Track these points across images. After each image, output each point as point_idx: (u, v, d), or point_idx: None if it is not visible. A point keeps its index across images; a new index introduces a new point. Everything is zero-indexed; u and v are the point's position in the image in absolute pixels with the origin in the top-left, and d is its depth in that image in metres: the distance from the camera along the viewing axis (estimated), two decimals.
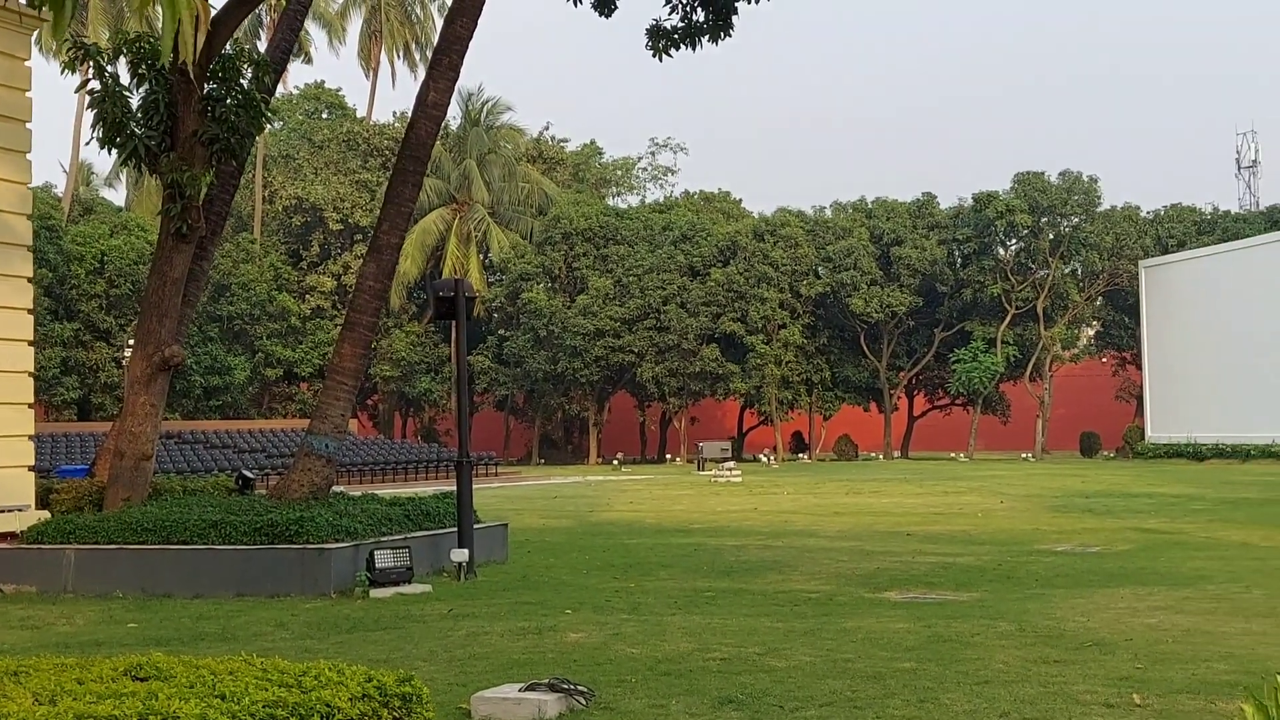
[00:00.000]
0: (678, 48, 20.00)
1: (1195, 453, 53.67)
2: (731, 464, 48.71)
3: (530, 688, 8.76)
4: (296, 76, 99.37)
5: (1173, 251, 61.67)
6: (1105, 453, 62.45)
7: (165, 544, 15.61)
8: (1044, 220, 60.32)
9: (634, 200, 76.31)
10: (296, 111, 71.54)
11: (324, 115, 72.29)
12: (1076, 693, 9.09)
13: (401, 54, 69.76)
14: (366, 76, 71.28)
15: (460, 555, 16.42)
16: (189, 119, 17.16)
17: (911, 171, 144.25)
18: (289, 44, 20.40)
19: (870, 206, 64.75)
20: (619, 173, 79.36)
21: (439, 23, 66.79)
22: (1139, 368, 62.48)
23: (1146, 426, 59.96)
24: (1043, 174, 60.59)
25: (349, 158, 64.98)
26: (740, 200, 71.25)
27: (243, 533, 15.48)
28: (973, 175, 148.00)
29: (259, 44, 51.65)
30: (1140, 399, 62.10)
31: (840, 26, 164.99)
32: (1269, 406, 51.52)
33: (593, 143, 77.71)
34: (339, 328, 22.26)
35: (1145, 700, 8.82)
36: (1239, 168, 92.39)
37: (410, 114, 19.29)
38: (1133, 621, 12.36)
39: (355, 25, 69.81)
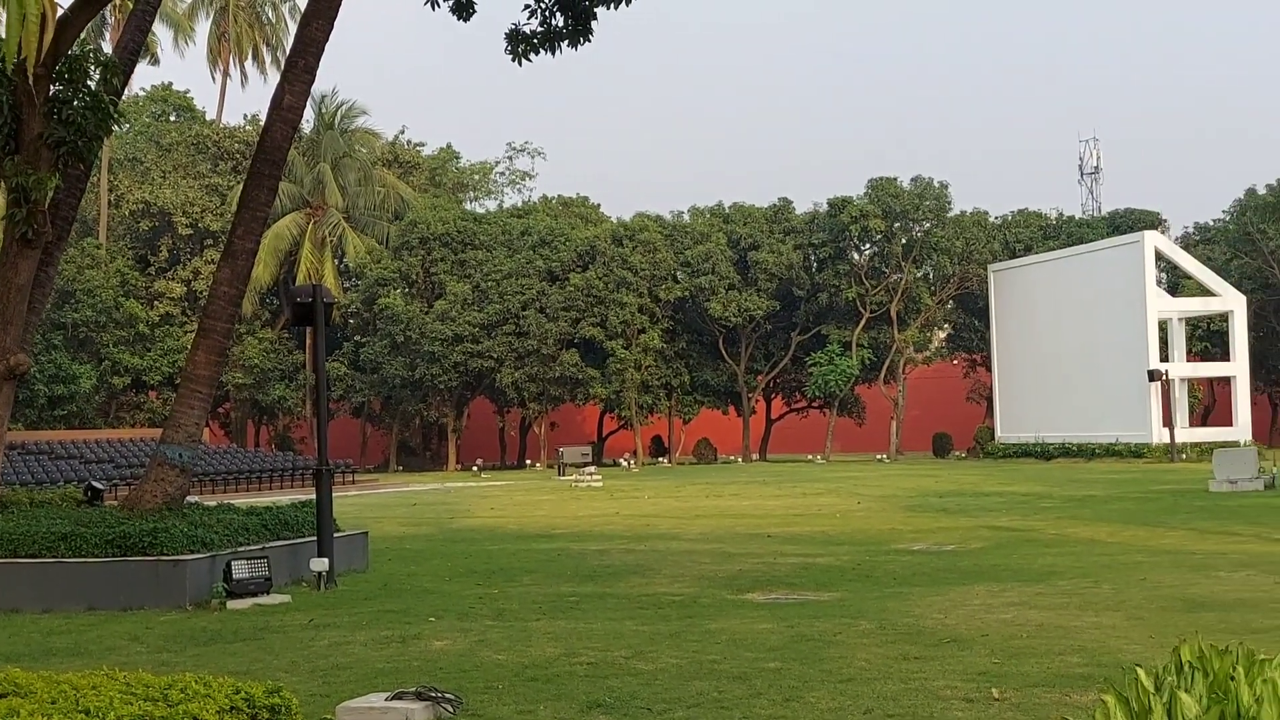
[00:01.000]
0: (537, 52, 19.92)
1: (1043, 452, 55.10)
2: (592, 469, 48.75)
3: (397, 696, 8.66)
4: (143, 78, 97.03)
5: (1020, 256, 63.25)
6: (957, 453, 63.80)
7: (13, 557, 15.11)
8: (897, 225, 61.44)
9: (492, 205, 76.03)
10: (143, 114, 69.88)
11: (172, 118, 70.72)
12: (937, 688, 9.26)
13: (251, 56, 68.53)
14: (215, 79, 69.93)
15: (320, 564, 16.17)
16: (34, 121, 16.63)
17: (768, 177, 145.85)
18: (137, 45, 19.89)
19: (728, 211, 65.32)
20: (476, 177, 78.94)
21: (291, 25, 65.93)
22: (989, 369, 63.96)
23: (996, 427, 61.41)
24: (895, 180, 61.70)
25: (198, 161, 63.63)
26: (599, 205, 71.38)
27: (94, 545, 15.05)
28: (828, 181, 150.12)
29: (104, 44, 50.32)
30: (990, 400, 63.57)
31: (697, 32, 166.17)
32: (1112, 406, 53.11)
33: (449, 147, 77.21)
34: (190, 334, 21.80)
35: (1003, 694, 9.01)
36: (1082, 174, 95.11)
37: (265, 117, 18.94)
38: (988, 617, 12.63)
39: (204, 26, 68.43)
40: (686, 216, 65.90)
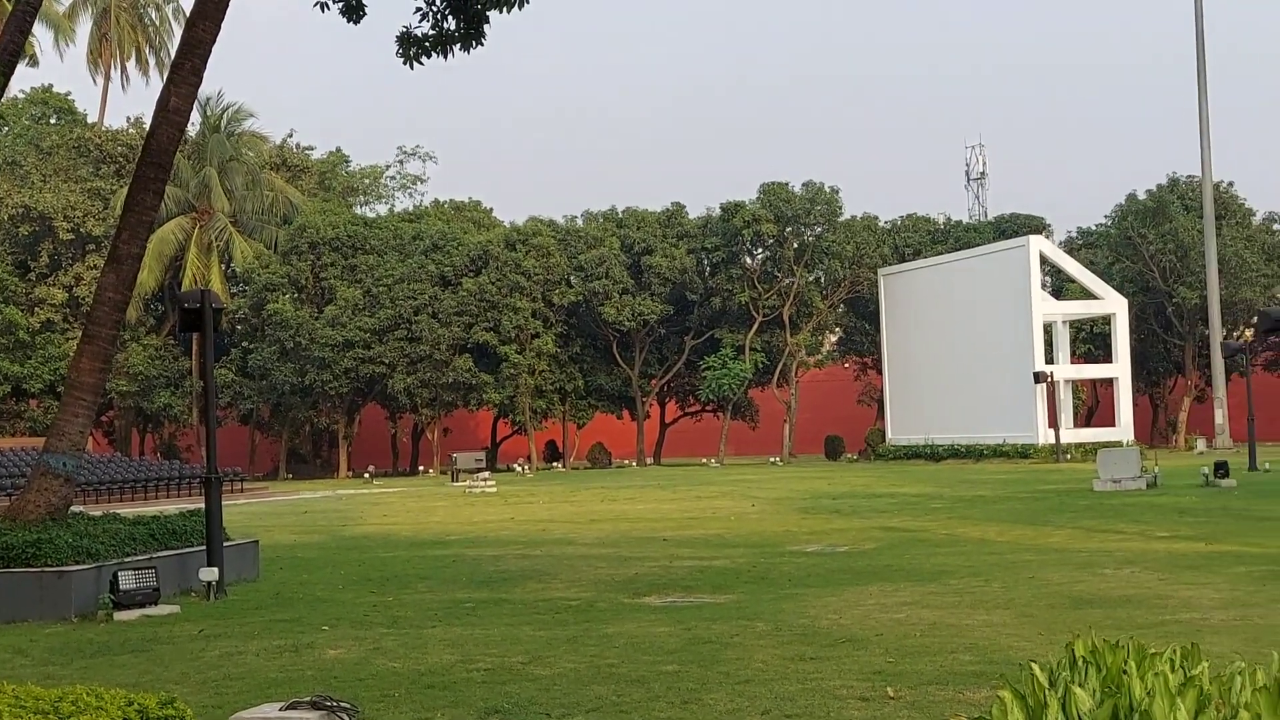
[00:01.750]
0: (429, 55, 19.75)
1: (933, 453, 55.89)
2: (486, 474, 48.50)
3: (291, 706, 8.51)
4: (22, 80, 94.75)
5: (909, 260, 64.12)
6: (849, 455, 64.47)
7: None
8: (789, 230, 61.96)
9: (383, 209, 75.41)
10: (23, 116, 68.28)
11: (52, 120, 69.16)
12: (833, 688, 9.34)
13: (134, 58, 67.29)
14: (96, 81, 68.55)
15: (210, 574, 15.89)
16: None
17: (661, 182, 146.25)
18: (17, 47, 19.38)
19: (621, 216, 65.43)
20: (367, 181, 78.25)
21: (175, 27, 64.93)
22: (879, 372, 64.73)
23: (887, 429, 62.16)
24: (787, 184, 62.24)
25: (80, 164, 62.27)
26: (491, 209, 71.14)
27: None
28: (720, 185, 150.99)
29: None
30: (881, 402, 64.35)
31: (590, 38, 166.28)
32: (999, 408, 54.02)
33: (339, 150, 76.47)
34: (72, 341, 21.30)
35: (898, 693, 9.11)
36: (968, 180, 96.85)
37: (150, 120, 18.58)
38: (882, 617, 12.76)
39: (85, 28, 67.05)
40: (580, 221, 65.94)
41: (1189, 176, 63.50)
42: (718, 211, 63.52)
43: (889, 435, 61.69)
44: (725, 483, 42.17)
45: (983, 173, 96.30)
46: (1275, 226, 64.33)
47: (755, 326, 62.89)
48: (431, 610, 14.30)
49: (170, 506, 27.67)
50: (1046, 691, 4.44)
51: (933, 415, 57.91)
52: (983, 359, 55.71)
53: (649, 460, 65.83)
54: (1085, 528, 21.86)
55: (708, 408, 66.75)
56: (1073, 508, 26.31)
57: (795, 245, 62.48)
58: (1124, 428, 54.22)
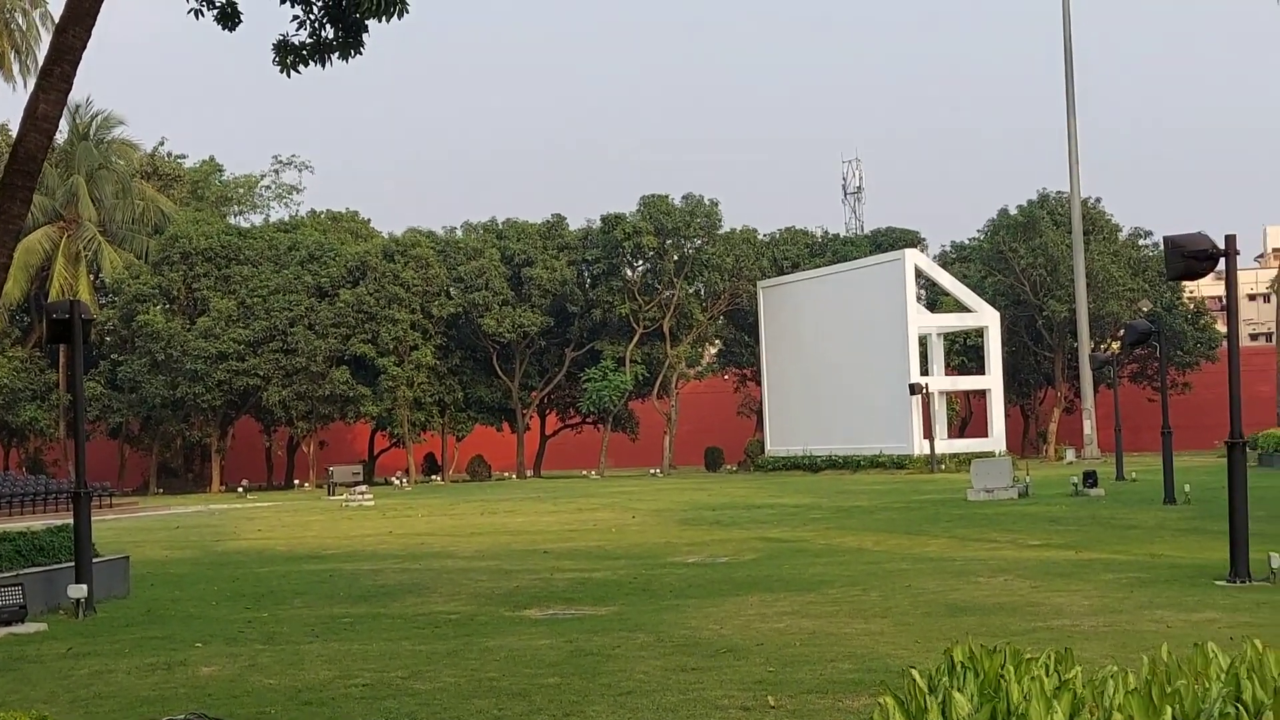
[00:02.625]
0: (306, 64, 19.41)
1: (811, 464, 56.43)
2: (363, 488, 47.96)
3: None
4: None
5: (788, 273, 64.74)
6: (729, 466, 64.85)
7: None
8: (669, 242, 62.21)
9: (258, 219, 74.26)
10: None
11: None
12: (714, 698, 9.37)
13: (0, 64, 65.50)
14: None
15: (78, 591, 15.48)
16: None
17: (542, 193, 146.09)
18: None
19: (501, 227, 65.19)
20: (241, 191, 77.02)
21: (43, 32, 63.28)
22: (759, 384, 65.22)
23: (766, 440, 62.65)
24: (667, 197, 62.47)
25: None
26: (369, 220, 70.43)
27: None
28: (600, 197, 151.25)
29: None
30: (760, 414, 64.83)
31: (470, 46, 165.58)
32: (876, 419, 54.74)
33: (212, 159, 75.15)
34: None
35: (779, 702, 9.17)
36: (845, 193, 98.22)
37: (18, 127, 18.08)
38: (762, 627, 12.85)
39: None
40: (459, 232, 65.56)
41: (1058, 192, 64.99)
42: (598, 223, 63.58)
43: (768, 446, 62.17)
44: (606, 495, 42.17)
45: (859, 187, 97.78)
46: (1141, 242, 66.07)
47: (636, 338, 63.02)
48: (308, 626, 14.09)
49: (37, 522, 26.91)
50: (927, 697, 4.50)
51: (811, 426, 58.49)
52: (860, 371, 56.40)
53: (529, 473, 65.60)
54: (960, 537, 22.22)
55: (588, 420, 66.72)
56: (947, 517, 26.74)
57: (675, 257, 62.75)
58: (996, 438, 55.25)
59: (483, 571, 19.34)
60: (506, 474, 65.15)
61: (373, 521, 32.69)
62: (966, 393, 64.22)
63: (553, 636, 12.68)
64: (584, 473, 63.84)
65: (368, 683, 10.42)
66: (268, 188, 77.97)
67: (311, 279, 59.40)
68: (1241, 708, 4.09)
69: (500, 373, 63.76)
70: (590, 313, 62.96)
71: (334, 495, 48.52)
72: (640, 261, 63.85)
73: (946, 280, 58.14)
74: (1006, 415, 58.56)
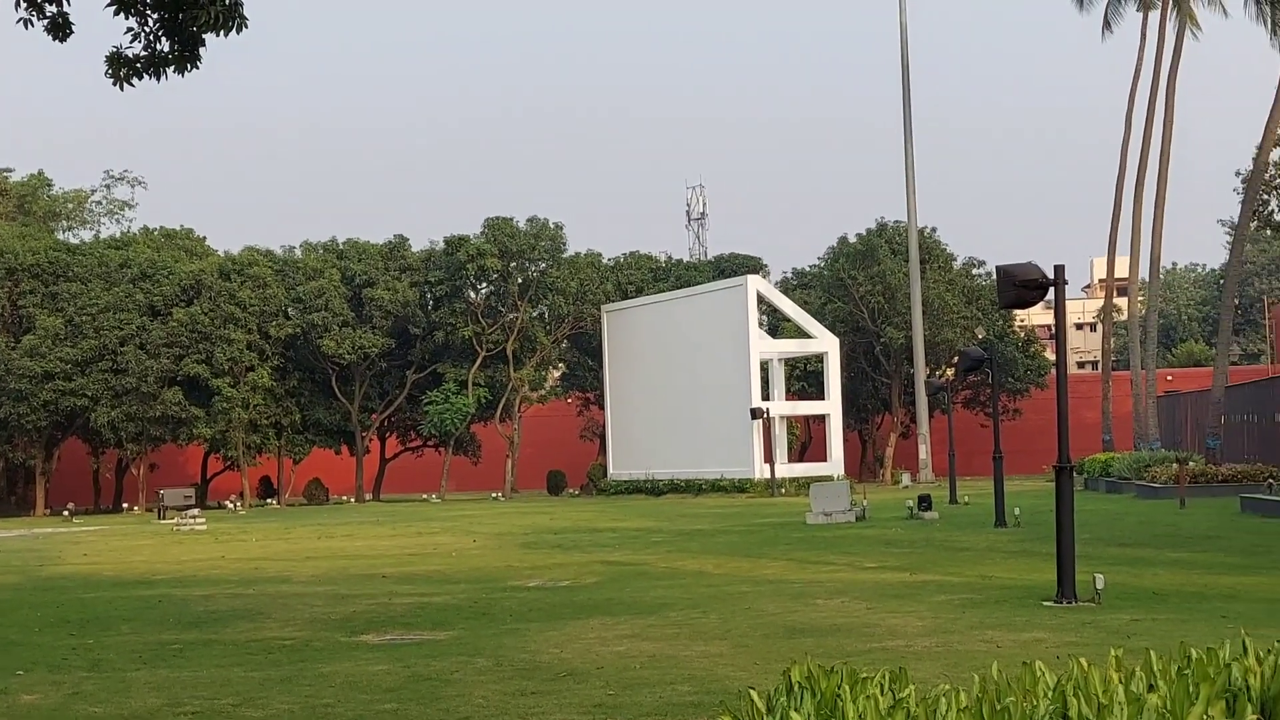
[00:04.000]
0: (140, 77, 18.91)
1: (654, 488, 56.63)
2: (196, 511, 46.79)
3: None
4: None
5: (632, 297, 65.01)
6: (571, 490, 64.75)
7: None
8: (513, 265, 62.04)
9: (88, 235, 72.13)
10: None
11: None
12: None
13: None
14: None
15: None
16: None
17: (383, 214, 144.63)
18: None
19: (342, 247, 64.32)
20: (71, 206, 74.76)
21: None
22: (602, 408, 65.30)
23: (609, 464, 62.72)
24: (512, 220, 62.32)
25: None
26: (205, 238, 68.80)
27: None
28: (444, 219, 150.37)
29: None
30: (603, 438, 64.90)
31: (310, 64, 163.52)
32: (718, 444, 55.16)
33: (41, 174, 72.77)
34: None
35: None
36: (689, 219, 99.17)
37: None
38: (603, 650, 12.81)
39: None
40: (299, 251, 64.46)
41: (896, 222, 66.37)
42: (441, 245, 63.10)
43: (611, 470, 62.26)
44: (447, 518, 41.80)
45: (703, 213, 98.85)
46: (975, 271, 67.78)
47: (479, 361, 62.63)
48: (136, 652, 13.65)
49: None
50: (765, 717, 4.50)
51: (654, 450, 58.73)
52: (702, 395, 56.83)
53: (368, 496, 64.68)
54: (798, 559, 22.47)
55: (429, 443, 66.04)
56: (787, 540, 27.03)
57: (520, 280, 62.60)
58: (835, 463, 56.10)
59: (319, 596, 18.98)
60: (345, 498, 64.16)
61: (205, 546, 31.89)
62: (806, 417, 65.13)
63: (390, 662, 12.48)
64: (424, 496, 63.18)
65: (197, 710, 10.13)
66: (99, 203, 75.84)
67: (143, 297, 57.89)
68: None
69: (339, 395, 62.84)
70: (432, 335, 62.43)
71: (164, 519, 47.26)
72: (484, 284, 63.55)
73: (788, 306, 58.94)
74: (845, 440, 59.49)
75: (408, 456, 68.59)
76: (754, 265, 67.35)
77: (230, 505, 57.40)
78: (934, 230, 67.25)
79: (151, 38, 19.27)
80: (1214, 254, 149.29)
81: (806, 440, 68.08)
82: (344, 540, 32.39)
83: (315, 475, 64.55)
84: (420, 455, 67.92)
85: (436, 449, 65.73)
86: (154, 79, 19.40)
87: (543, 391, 68.46)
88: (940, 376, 61.65)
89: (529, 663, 12.13)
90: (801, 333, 58.59)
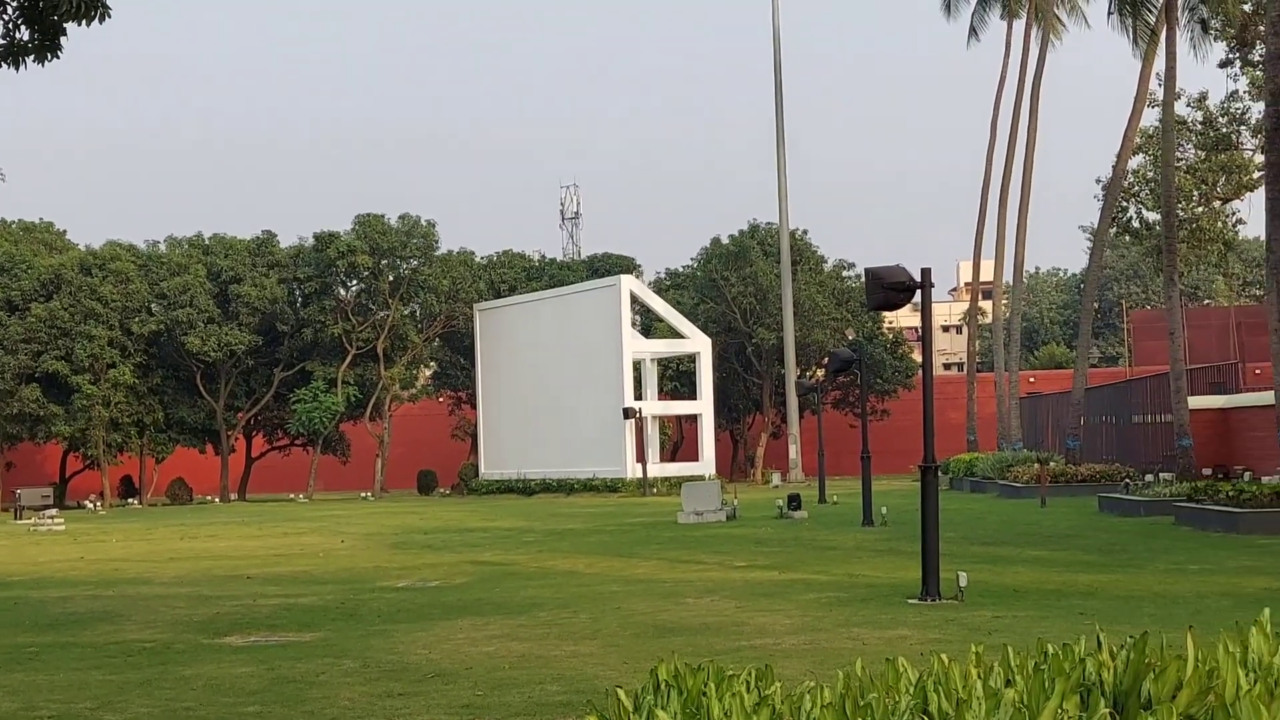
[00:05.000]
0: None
1: (525, 488, 56.47)
2: (54, 511, 45.61)
3: None
4: None
5: (505, 296, 64.77)
6: (442, 490, 64.29)
7: None
8: (384, 262, 61.43)
9: None
10: None
11: None
12: None
13: None
14: None
15: None
16: None
17: (251, 209, 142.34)
18: None
19: (208, 242, 63.14)
20: None
21: None
22: (474, 407, 64.97)
23: (480, 463, 62.43)
24: (383, 216, 61.69)
25: None
26: (65, 231, 67.13)
27: None
28: (314, 214, 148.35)
29: None
30: (475, 437, 64.57)
31: (173, 57, 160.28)
32: (590, 443, 55.18)
33: None
34: None
35: None
36: (563, 219, 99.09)
37: None
38: (472, 651, 12.73)
39: None
40: (163, 246, 63.13)
41: (768, 223, 67.00)
42: (311, 241, 62.27)
43: (482, 470, 61.97)
44: (314, 518, 41.26)
45: (577, 213, 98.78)
46: (845, 273, 68.69)
47: (348, 359, 61.91)
48: None
49: None
50: (631, 715, 4.50)
51: (526, 450, 58.57)
52: (575, 395, 56.81)
53: (233, 496, 63.56)
54: (669, 559, 22.55)
55: (297, 442, 65.11)
56: (658, 539, 27.11)
57: (391, 278, 62.01)
58: (707, 462, 56.46)
59: (181, 598, 18.60)
60: (209, 498, 62.98)
61: (63, 547, 31.08)
62: (679, 417, 65.45)
63: (254, 664, 12.27)
64: (292, 496, 62.26)
65: (54, 715, 9.87)
66: None
67: (0, 292, 56.26)
68: (928, 718, 4.23)
69: (204, 393, 61.69)
70: (301, 332, 61.57)
71: (21, 519, 45.97)
72: (354, 281, 62.85)
73: (661, 307, 59.18)
74: (716, 440, 59.92)
75: (275, 456, 67.55)
76: (627, 265, 67.51)
77: (90, 505, 55.99)
78: (805, 232, 68.10)
79: (10, 26, 18.74)
80: (1075, 259, 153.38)
81: (678, 440, 68.42)
82: (208, 541, 31.80)
83: (178, 475, 63.24)
84: (288, 454, 66.93)
85: (304, 448, 64.83)
86: (13, 68, 18.87)
87: (414, 390, 67.92)
88: (811, 377, 62.40)
89: (396, 664, 12.02)
90: (674, 333, 58.87)
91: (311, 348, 62.06)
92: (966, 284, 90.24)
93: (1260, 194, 30.93)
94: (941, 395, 52.68)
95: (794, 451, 61.03)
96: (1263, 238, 31.87)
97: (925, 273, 16.16)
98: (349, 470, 66.18)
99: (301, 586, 19.86)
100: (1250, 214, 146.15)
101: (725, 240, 67.52)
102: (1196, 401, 36.56)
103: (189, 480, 62.99)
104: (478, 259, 66.28)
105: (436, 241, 62.60)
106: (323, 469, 64.93)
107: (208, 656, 12.94)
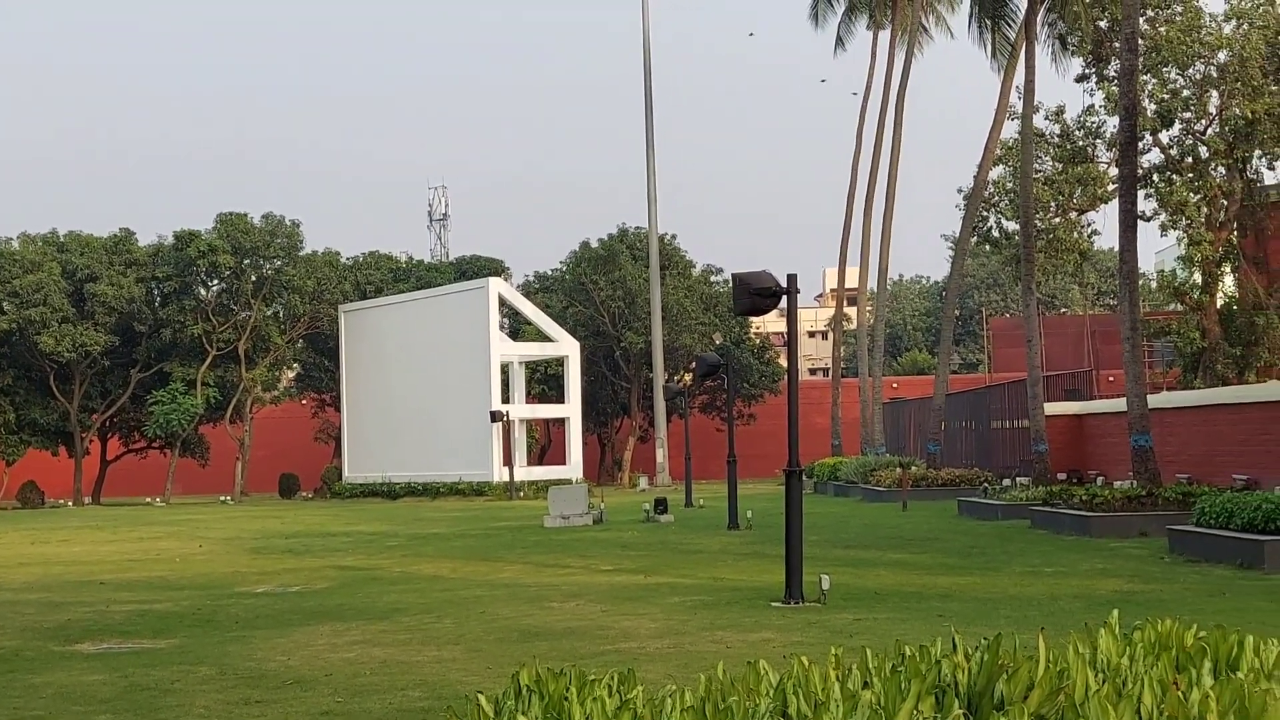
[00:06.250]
0: None
1: (390, 491, 55.90)
2: None
3: None
4: None
5: (371, 297, 64.09)
6: (304, 494, 63.38)
7: None
8: (247, 262, 60.39)
9: None
10: None
11: None
12: None
13: None
14: None
15: None
16: None
17: (108, 205, 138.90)
18: None
19: (63, 240, 61.50)
20: None
21: None
22: (338, 409, 64.16)
23: (344, 467, 61.66)
24: (246, 215, 60.65)
25: None
26: None
27: None
28: (174, 212, 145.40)
29: None
30: (339, 440, 63.77)
31: (26, 55, 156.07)
32: (457, 446, 54.84)
33: None
34: None
35: None
36: (431, 220, 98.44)
37: None
38: (332, 657, 12.54)
39: None
40: (15, 244, 61.31)
41: (637, 228, 67.22)
42: (171, 240, 60.98)
43: (346, 473, 61.22)
44: (172, 522, 40.40)
45: (445, 214, 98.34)
46: (713, 279, 69.19)
47: (209, 360, 60.73)
48: None
49: None
50: None
51: (391, 453, 58.00)
52: (441, 398, 56.41)
53: (87, 500, 61.97)
54: (535, 563, 22.48)
55: (154, 444, 63.68)
56: (524, 543, 27.03)
57: (254, 278, 60.96)
58: (574, 466, 56.45)
59: (30, 604, 18.06)
60: (63, 501, 61.33)
61: None
62: (546, 421, 65.33)
63: (107, 671, 11.95)
64: (148, 500, 60.91)
65: None
66: None
67: None
68: None
69: (58, 394, 60.05)
70: (160, 332, 60.25)
71: None
72: (216, 281, 61.68)
73: (529, 310, 59.04)
74: (584, 443, 59.94)
75: (131, 458, 66.00)
76: (496, 268, 67.26)
77: None
78: (674, 237, 68.46)
79: None
80: (938, 267, 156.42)
81: (546, 443, 68.30)
82: (60, 545, 30.96)
83: (30, 478, 61.45)
84: (144, 457, 65.44)
85: (162, 451, 63.43)
86: None
87: (276, 392, 66.84)
88: (678, 381, 62.71)
89: (254, 671, 11.79)
90: (542, 336, 58.78)
91: (170, 348, 60.76)
92: (832, 290, 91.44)
93: (1114, 206, 31.80)
94: (807, 400, 53.36)
95: (661, 455, 61.28)
96: (1116, 248, 32.79)
97: (791, 279, 16.30)
98: (208, 474, 64.94)
99: (157, 592, 19.42)
100: (1105, 225, 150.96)
101: (594, 244, 67.62)
102: (1052, 408, 37.43)
103: (41, 483, 61.26)
104: (343, 260, 65.53)
105: (301, 241, 61.75)
106: (181, 472, 63.60)
107: (58, 664, 12.57)
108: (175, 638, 14.36)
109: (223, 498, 60.67)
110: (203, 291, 61.57)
